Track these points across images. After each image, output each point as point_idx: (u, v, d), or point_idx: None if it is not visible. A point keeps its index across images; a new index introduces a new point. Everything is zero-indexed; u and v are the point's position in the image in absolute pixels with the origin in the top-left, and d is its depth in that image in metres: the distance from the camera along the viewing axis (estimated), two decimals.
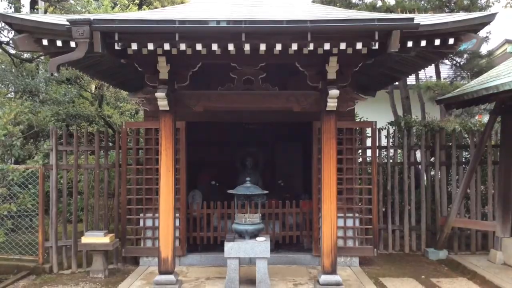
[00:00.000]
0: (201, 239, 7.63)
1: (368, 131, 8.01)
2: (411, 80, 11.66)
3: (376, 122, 7.57)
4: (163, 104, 6.00)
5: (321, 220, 6.24)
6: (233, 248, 6.01)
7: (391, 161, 8.57)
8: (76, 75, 10.66)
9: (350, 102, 6.78)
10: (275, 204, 7.79)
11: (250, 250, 6.01)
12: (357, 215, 7.47)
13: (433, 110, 11.25)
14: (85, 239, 6.85)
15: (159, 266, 6.15)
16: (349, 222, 7.40)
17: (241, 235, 6.16)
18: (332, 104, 6.00)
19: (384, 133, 8.67)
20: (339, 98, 6.00)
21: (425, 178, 8.65)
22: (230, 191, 6.29)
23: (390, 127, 9.27)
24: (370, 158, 7.84)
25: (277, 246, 7.75)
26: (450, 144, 8.55)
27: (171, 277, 6.07)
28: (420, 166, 8.74)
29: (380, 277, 6.89)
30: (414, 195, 8.53)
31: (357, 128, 7.69)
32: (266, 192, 6.39)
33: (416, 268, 7.39)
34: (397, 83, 10.14)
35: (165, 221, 6.16)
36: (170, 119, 6.21)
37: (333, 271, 6.11)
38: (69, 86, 11.14)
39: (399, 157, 8.69)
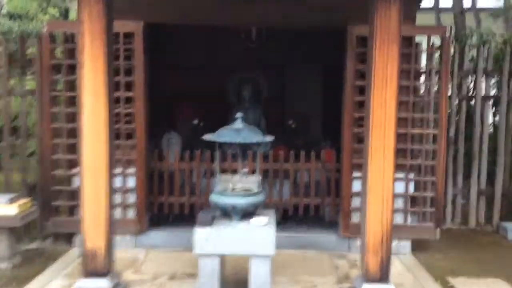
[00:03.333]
0: (169, 206, 5.04)
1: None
2: None
3: (449, 27, 4.71)
4: None
5: (364, 188, 3.58)
6: (209, 239, 3.39)
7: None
8: None
9: None
10: (284, 155, 5.13)
11: (241, 243, 3.39)
12: (411, 175, 4.79)
13: None
14: None
15: (83, 262, 3.58)
16: (399, 187, 4.73)
17: (225, 213, 3.55)
18: None
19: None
20: None
21: (504, 119, 5.87)
22: (208, 137, 3.58)
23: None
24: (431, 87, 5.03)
25: (285, 219, 5.18)
26: None
27: (103, 283, 3.51)
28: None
29: (449, 275, 4.33)
30: (487, 145, 5.82)
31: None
32: (269, 139, 3.68)
33: (499, 257, 4.83)
34: None
35: (93, 188, 3.52)
36: (101, 4, 3.40)
37: (383, 278, 3.54)
38: None
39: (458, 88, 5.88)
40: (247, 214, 3.52)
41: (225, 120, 5.97)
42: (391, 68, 3.43)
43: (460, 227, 5.83)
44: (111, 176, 3.62)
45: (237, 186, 3.61)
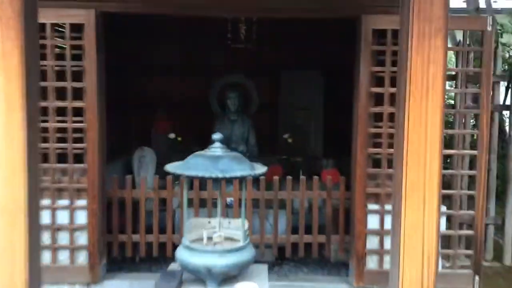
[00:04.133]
0: (134, 247, 3.95)
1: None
2: None
3: (489, 18, 3.68)
4: None
5: (395, 240, 2.52)
6: None
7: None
8: None
9: None
10: (279, 178, 4.08)
11: None
12: (443, 208, 3.75)
13: None
14: None
15: None
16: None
17: (198, 277, 2.47)
18: None
19: None
20: None
21: None
22: (172, 169, 2.49)
23: None
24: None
25: (280, 260, 4.12)
26: None
27: None
28: None
29: None
30: None
31: None
32: (260, 170, 2.59)
33: None
34: None
35: (6, 238, 2.43)
36: None
37: None
38: None
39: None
40: (228, 277, 2.45)
41: (209, 133, 4.94)
42: (434, 71, 2.37)
43: (493, 264, 4.79)
44: (36, 218, 2.54)
45: (215, 236, 2.54)
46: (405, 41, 2.38)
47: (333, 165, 5.39)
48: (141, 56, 5.87)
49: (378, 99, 3.62)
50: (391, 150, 3.62)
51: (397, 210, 2.46)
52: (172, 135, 5.19)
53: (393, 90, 3.60)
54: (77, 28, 3.55)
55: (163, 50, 5.82)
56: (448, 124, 4.56)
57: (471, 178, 3.86)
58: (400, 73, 2.48)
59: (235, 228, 2.60)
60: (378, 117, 3.63)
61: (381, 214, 3.66)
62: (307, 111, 5.87)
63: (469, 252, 3.74)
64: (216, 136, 2.49)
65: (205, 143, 5.05)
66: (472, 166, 3.90)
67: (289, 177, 3.96)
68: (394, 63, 3.56)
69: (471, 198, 3.84)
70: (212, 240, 2.48)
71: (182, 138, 5.32)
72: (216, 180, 2.44)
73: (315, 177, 3.95)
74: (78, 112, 3.61)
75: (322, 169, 5.38)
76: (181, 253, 2.46)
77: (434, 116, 2.40)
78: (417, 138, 2.40)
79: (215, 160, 2.38)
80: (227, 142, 4.87)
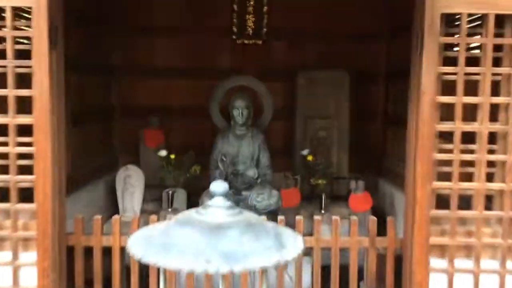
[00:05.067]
0: None
1: None
2: None
3: None
4: None
5: None
6: None
7: None
8: None
9: None
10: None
11: None
12: None
13: None
14: None
15: None
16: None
17: None
18: None
19: None
20: None
21: None
22: (134, 252, 1.43)
23: None
24: None
25: None
26: None
27: None
28: None
29: None
30: None
31: None
32: (295, 249, 1.52)
33: None
34: None
35: None
36: None
37: None
38: None
39: None
40: None
41: (209, 145, 3.93)
42: None
43: None
44: None
45: None
46: None
47: (363, 188, 4.36)
48: (129, 51, 4.91)
49: (448, 111, 2.57)
50: (465, 184, 2.57)
51: None
52: (163, 153, 4.14)
53: (468, 99, 2.55)
54: (22, 14, 2.52)
55: (155, 45, 4.85)
56: None
57: None
58: None
59: None
60: (449, 137, 2.57)
61: (450, 274, 2.60)
62: (331, 121, 4.81)
63: None
64: (217, 188, 1.44)
65: (205, 160, 4.09)
66: None
67: (316, 218, 2.89)
68: (470, 61, 2.52)
69: None
70: None
71: (176, 155, 4.28)
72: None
73: (353, 219, 2.88)
74: (25, 130, 2.57)
75: (350, 193, 4.39)
76: None
77: None
78: None
79: (214, 234, 1.33)
80: (232, 163, 3.84)
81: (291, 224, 3.07)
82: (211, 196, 1.48)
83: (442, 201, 2.66)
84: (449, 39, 2.52)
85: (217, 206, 1.44)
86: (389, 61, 4.94)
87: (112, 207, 4.65)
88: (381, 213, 4.70)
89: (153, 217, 2.83)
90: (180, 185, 4.38)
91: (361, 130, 5.09)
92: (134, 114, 5.01)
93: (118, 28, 4.89)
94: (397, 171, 4.52)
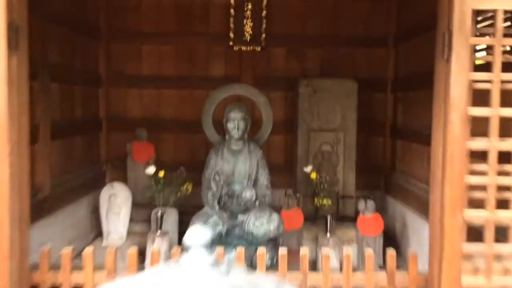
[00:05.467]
0: None
1: None
2: None
3: None
4: None
5: None
6: None
7: None
8: None
9: None
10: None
11: None
12: None
13: None
14: None
15: None
16: None
17: None
18: None
19: None
20: None
21: None
22: None
23: None
24: None
25: None
26: None
27: None
28: None
29: None
30: None
31: None
32: None
33: None
34: None
35: None
36: None
37: None
38: None
39: None
40: None
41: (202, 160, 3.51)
42: None
43: None
44: None
45: None
46: None
47: (373, 209, 3.94)
48: (115, 59, 4.53)
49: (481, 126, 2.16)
50: (501, 213, 2.15)
51: None
52: (151, 170, 3.72)
53: (506, 112, 2.14)
54: None
55: (143, 52, 4.48)
56: None
57: None
58: None
59: None
60: (483, 157, 2.16)
61: None
62: (336, 134, 4.40)
63: None
64: (194, 238, 1.02)
65: (198, 176, 3.68)
66: None
67: (325, 253, 2.45)
68: (506, 66, 2.11)
69: None
70: None
71: (166, 172, 3.86)
72: None
73: (369, 252, 2.45)
74: None
75: (358, 214, 3.97)
76: None
77: None
78: None
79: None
80: (227, 183, 3.42)
81: (293, 251, 2.69)
82: (187, 248, 1.06)
83: (469, 232, 2.24)
84: (482, 40, 2.12)
85: (194, 265, 1.02)
86: (397, 67, 4.57)
87: (96, 228, 4.26)
88: (391, 234, 4.31)
89: (132, 250, 2.40)
90: (171, 204, 3.97)
91: (367, 143, 4.71)
92: (122, 126, 4.64)
93: (104, 34, 4.53)
94: (407, 188, 4.14)
